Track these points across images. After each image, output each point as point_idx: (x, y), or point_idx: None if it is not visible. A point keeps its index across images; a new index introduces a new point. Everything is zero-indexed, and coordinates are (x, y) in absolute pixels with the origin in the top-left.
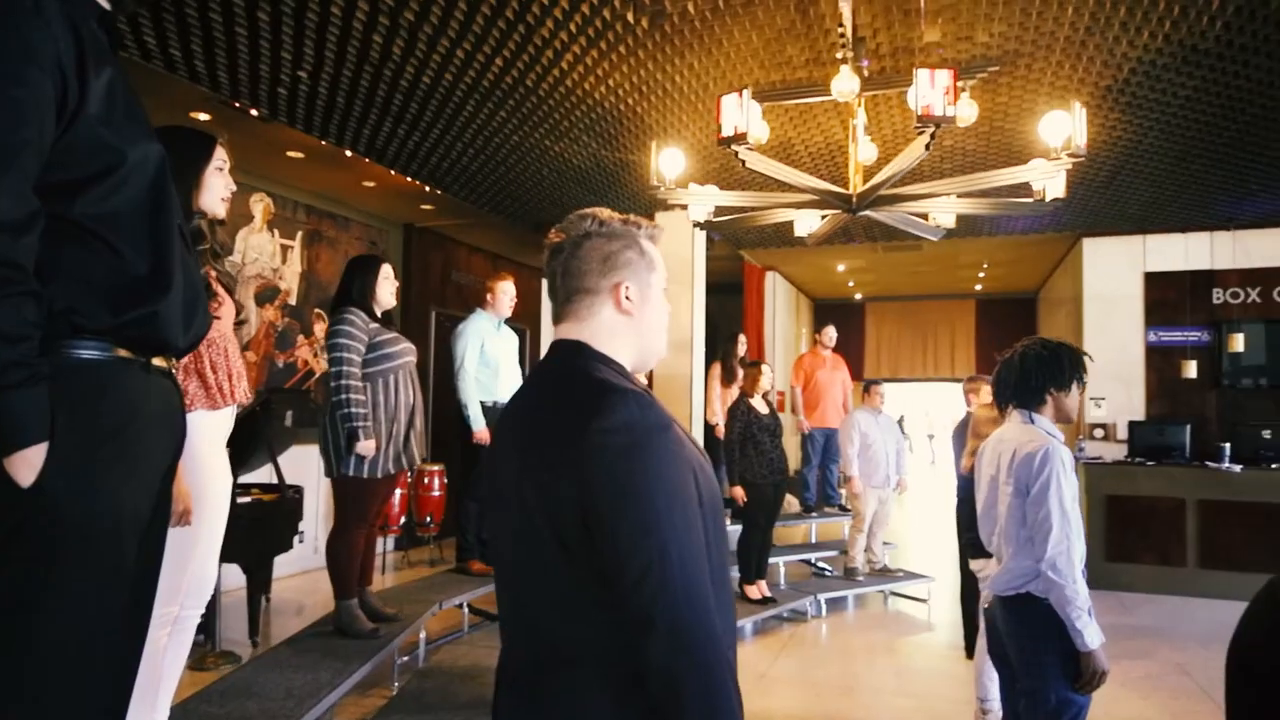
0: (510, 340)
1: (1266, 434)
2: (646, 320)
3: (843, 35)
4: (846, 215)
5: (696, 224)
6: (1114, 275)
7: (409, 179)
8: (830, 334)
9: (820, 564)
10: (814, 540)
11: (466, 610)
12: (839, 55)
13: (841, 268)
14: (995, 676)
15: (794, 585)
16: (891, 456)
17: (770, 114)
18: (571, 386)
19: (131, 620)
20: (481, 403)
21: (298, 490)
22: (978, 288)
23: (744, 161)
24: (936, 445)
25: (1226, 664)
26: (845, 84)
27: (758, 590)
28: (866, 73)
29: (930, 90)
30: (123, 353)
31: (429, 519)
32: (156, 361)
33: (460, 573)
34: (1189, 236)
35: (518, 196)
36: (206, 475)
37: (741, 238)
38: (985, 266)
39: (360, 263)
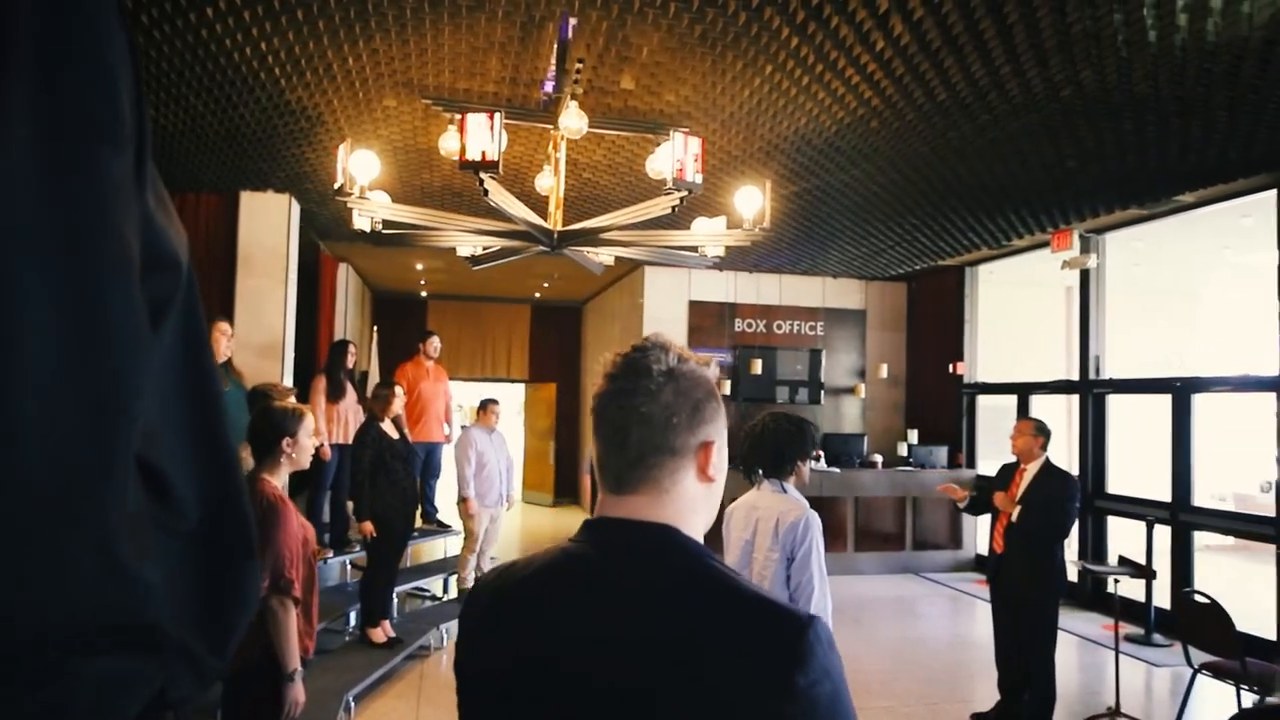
0: None
1: None
2: (718, 492)
3: (579, 71)
4: (522, 243)
5: (360, 231)
6: (667, 300)
7: None
8: (435, 344)
9: (423, 588)
10: (414, 563)
11: None
12: (566, 90)
13: (420, 266)
14: None
15: (409, 617)
16: (504, 474)
17: (434, 117)
18: (721, 610)
19: None
20: None
21: None
22: (537, 295)
23: (485, 191)
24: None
25: None
26: (573, 121)
27: (382, 632)
28: (546, 97)
29: (684, 154)
30: None
31: None
32: None
33: None
34: (724, 274)
35: None
36: None
37: (327, 229)
38: (554, 277)
39: None
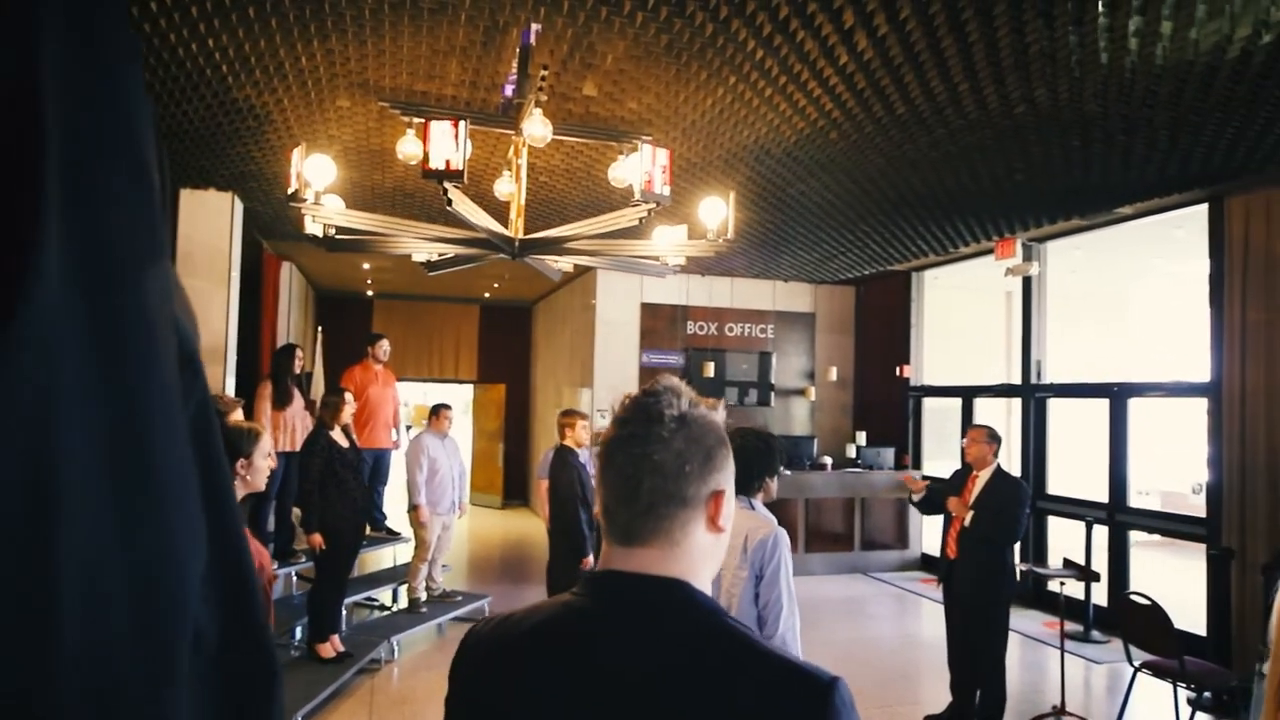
0: None
1: None
2: (725, 541)
3: (544, 79)
4: (482, 251)
5: (313, 237)
6: (619, 303)
7: None
8: (384, 347)
9: (372, 598)
10: (363, 572)
11: None
12: (530, 96)
13: (366, 266)
14: None
15: (358, 629)
16: (457, 481)
17: (389, 119)
18: (740, 672)
19: None
20: None
21: None
22: (487, 295)
23: (450, 201)
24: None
25: None
26: (537, 129)
27: (331, 647)
28: (505, 101)
29: (652, 166)
30: None
31: None
32: None
33: None
34: (676, 277)
35: None
36: None
37: (271, 227)
38: (505, 278)
39: None
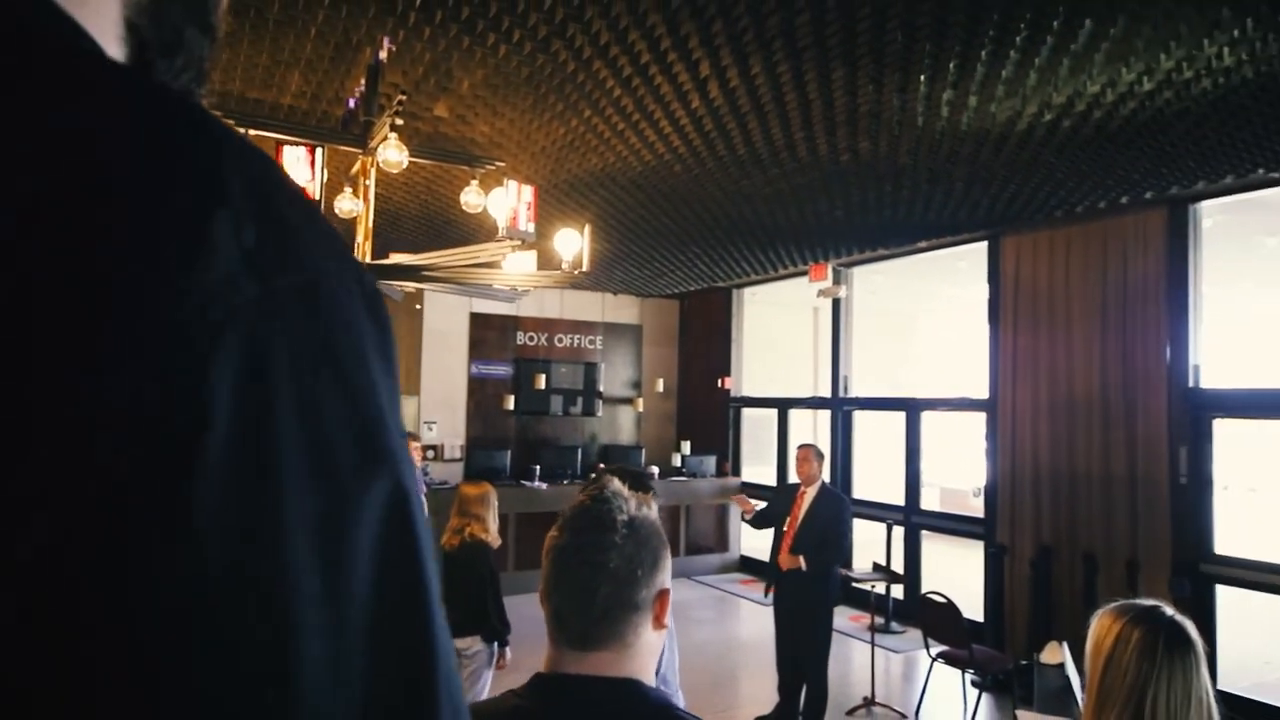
0: None
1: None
2: (665, 634)
3: (400, 104)
4: None
5: None
6: (447, 311)
7: None
8: None
9: None
10: None
11: None
12: (385, 119)
13: None
14: None
15: None
16: None
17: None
18: None
19: None
20: None
21: None
22: None
23: None
24: None
25: None
26: (392, 154)
27: None
28: (348, 114)
29: (517, 202)
30: None
31: None
32: None
33: None
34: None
35: None
36: None
37: None
38: None
39: None
